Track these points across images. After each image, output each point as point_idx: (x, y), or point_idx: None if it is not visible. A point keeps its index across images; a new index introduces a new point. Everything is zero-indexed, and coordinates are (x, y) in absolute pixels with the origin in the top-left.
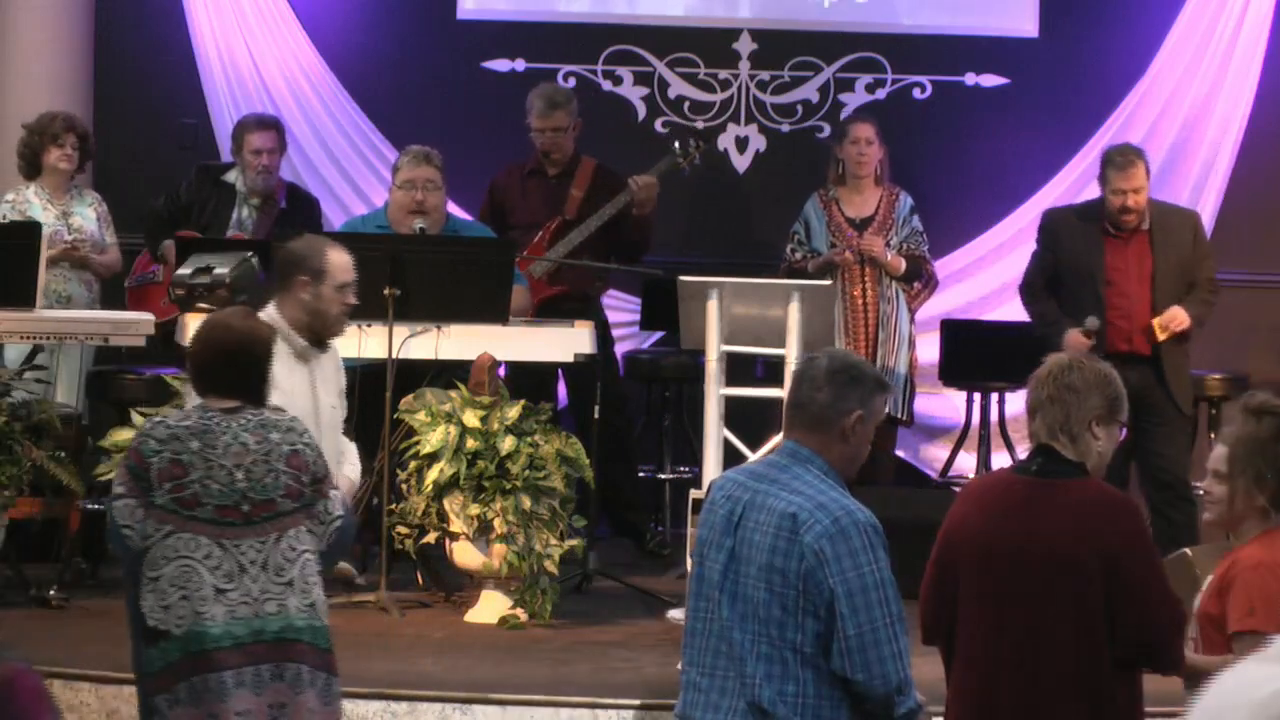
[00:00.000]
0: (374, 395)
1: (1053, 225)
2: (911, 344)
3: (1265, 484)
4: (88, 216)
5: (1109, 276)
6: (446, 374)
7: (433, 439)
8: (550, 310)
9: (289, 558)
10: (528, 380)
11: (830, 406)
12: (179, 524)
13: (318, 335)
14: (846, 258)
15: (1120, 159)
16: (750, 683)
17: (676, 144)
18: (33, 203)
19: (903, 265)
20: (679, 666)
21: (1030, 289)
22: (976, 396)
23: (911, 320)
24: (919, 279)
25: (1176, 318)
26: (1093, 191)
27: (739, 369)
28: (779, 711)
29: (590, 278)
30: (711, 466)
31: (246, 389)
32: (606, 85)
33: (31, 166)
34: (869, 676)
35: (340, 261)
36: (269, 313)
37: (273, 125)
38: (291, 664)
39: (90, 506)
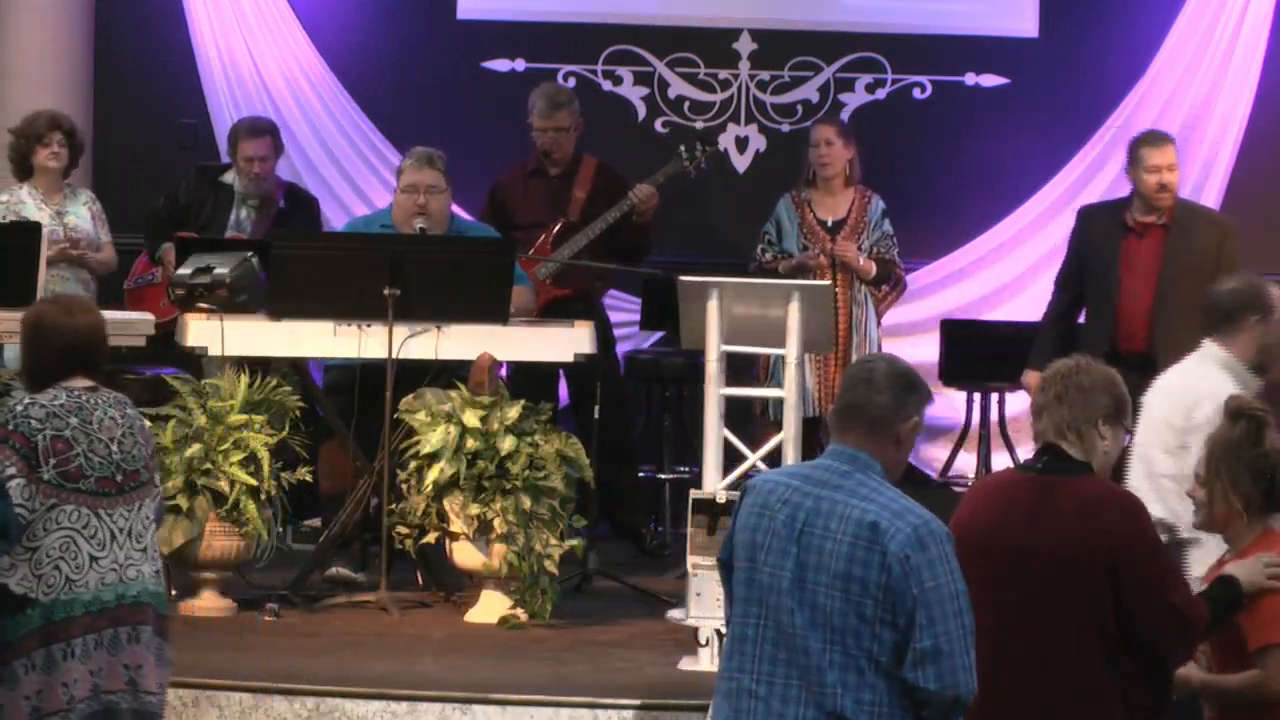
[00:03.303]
0: (374, 395)
1: (1083, 219)
2: (879, 349)
3: (1241, 486)
4: (82, 215)
5: (1122, 272)
6: (446, 374)
7: (433, 439)
8: (553, 312)
9: (145, 526)
10: (528, 380)
11: (890, 409)
12: (62, 497)
13: (1259, 370)
14: (820, 261)
15: (1152, 137)
16: (831, 692)
17: (682, 148)
18: (26, 203)
19: (874, 270)
20: (722, 672)
21: (1052, 300)
22: (976, 396)
23: (878, 324)
24: (886, 282)
25: None
26: (1092, 192)
27: (739, 369)
28: None
29: (591, 278)
30: (711, 466)
31: (101, 370)
32: (606, 85)
33: (22, 169)
34: (941, 686)
35: None
36: (1214, 352)
37: (266, 131)
38: (144, 627)
39: None
